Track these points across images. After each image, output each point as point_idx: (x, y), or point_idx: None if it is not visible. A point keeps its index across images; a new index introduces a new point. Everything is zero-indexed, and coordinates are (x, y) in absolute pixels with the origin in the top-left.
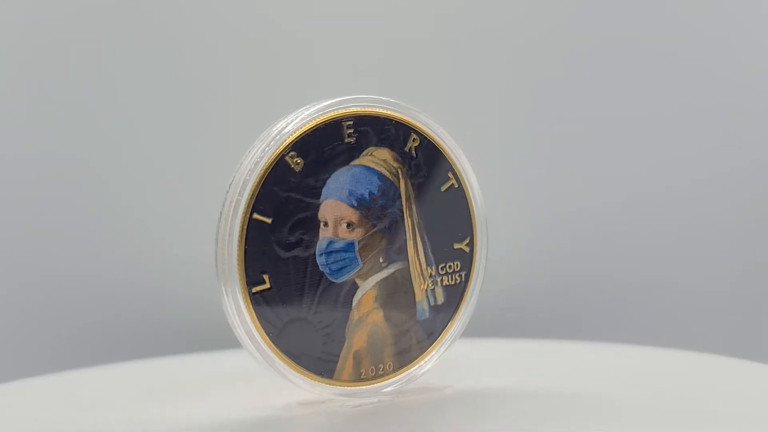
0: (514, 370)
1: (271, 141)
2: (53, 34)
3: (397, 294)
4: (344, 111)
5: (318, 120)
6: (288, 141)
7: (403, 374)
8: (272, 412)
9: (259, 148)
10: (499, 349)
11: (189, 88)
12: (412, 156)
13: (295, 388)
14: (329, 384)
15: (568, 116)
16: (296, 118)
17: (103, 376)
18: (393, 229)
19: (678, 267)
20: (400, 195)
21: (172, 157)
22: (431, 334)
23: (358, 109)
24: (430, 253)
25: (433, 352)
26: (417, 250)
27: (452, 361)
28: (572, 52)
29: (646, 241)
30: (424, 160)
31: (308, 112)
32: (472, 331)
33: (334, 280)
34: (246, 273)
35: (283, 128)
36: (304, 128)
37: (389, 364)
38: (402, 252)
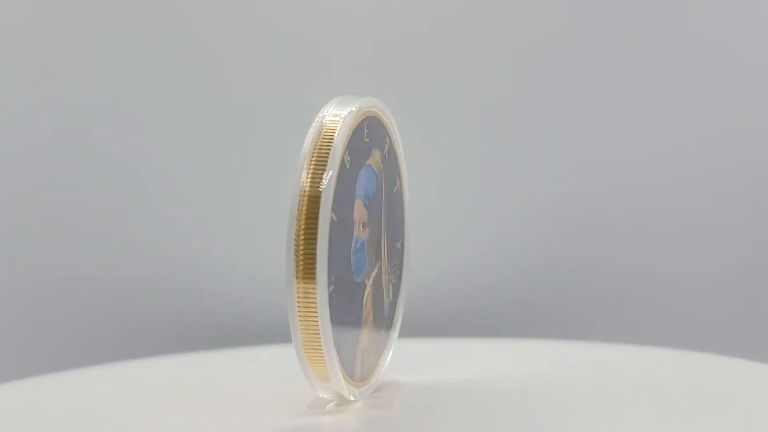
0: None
1: (336, 141)
2: (77, 33)
3: (378, 292)
4: (366, 111)
5: (358, 118)
6: (346, 139)
7: (379, 371)
8: (299, 418)
9: (312, 145)
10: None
11: (200, 90)
12: (385, 158)
13: (306, 389)
14: (353, 385)
15: (552, 111)
16: (342, 115)
17: (109, 374)
18: (378, 228)
19: (661, 263)
20: (382, 195)
21: (187, 156)
22: (387, 330)
23: (371, 109)
24: (388, 252)
25: (390, 348)
26: (385, 249)
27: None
28: (557, 45)
29: (632, 237)
30: (390, 163)
31: (347, 110)
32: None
33: (356, 280)
34: (328, 273)
35: (337, 126)
36: (352, 126)
37: (372, 362)
38: (379, 251)
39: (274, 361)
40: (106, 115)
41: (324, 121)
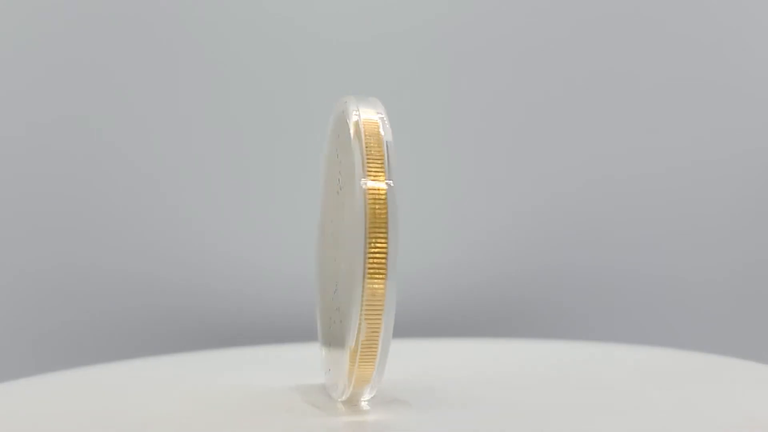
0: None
1: (387, 139)
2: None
3: None
4: None
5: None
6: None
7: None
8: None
9: (364, 146)
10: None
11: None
12: None
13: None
14: None
15: (545, 107)
16: (377, 115)
17: (111, 374)
18: None
19: (660, 262)
20: None
21: (196, 154)
22: None
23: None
24: None
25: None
26: None
27: None
28: (545, 39)
29: (630, 236)
30: None
31: (379, 111)
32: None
33: None
34: None
35: (379, 126)
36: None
37: None
38: None
39: (255, 362)
40: (119, 110)
41: (363, 121)
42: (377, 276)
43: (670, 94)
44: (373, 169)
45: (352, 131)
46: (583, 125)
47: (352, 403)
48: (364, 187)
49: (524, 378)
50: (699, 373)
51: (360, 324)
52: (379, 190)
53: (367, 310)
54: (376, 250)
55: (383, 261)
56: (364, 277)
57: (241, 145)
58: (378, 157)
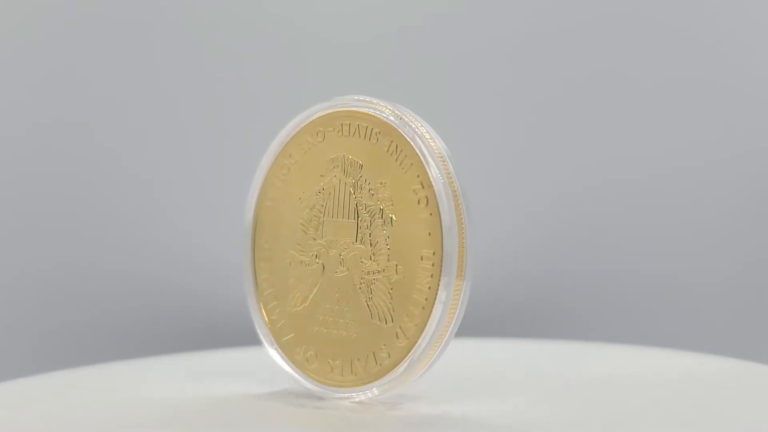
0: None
1: (438, 141)
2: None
3: None
4: None
5: None
6: None
7: None
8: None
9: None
10: None
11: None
12: None
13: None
14: None
15: (549, 107)
16: (417, 117)
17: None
18: None
19: (660, 262)
20: None
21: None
22: None
23: None
24: None
25: None
26: None
27: None
28: (550, 39)
29: (630, 236)
30: None
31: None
32: None
33: None
34: None
35: (424, 127)
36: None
37: None
38: None
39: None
40: (120, 110)
41: (417, 126)
42: (458, 276)
43: (670, 94)
44: (448, 178)
45: (422, 149)
46: (581, 126)
47: (364, 403)
48: (444, 193)
49: (525, 378)
50: (698, 374)
51: (438, 321)
52: (456, 195)
53: (451, 307)
54: (459, 250)
55: (463, 260)
56: (450, 275)
57: (241, 147)
58: (444, 163)
